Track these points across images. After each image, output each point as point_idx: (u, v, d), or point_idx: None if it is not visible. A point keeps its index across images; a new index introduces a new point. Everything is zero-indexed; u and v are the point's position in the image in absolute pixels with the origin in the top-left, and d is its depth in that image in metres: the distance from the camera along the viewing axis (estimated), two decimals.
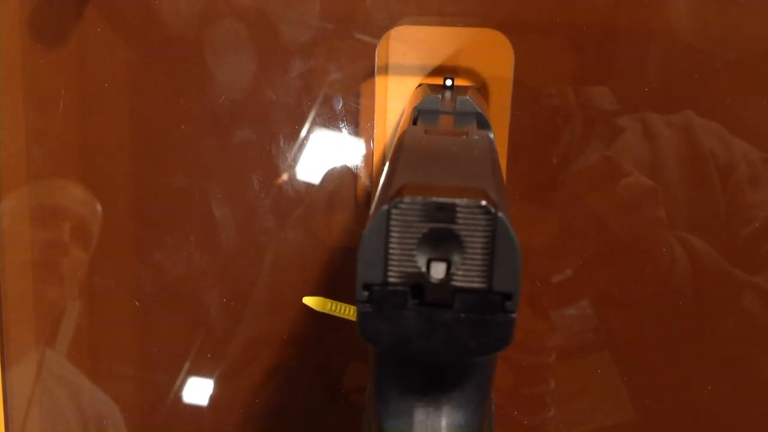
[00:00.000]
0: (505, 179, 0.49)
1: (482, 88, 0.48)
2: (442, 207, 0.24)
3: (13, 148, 0.52)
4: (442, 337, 0.25)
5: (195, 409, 0.55)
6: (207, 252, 0.53)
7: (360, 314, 0.25)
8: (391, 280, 0.25)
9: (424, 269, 0.25)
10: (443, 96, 0.42)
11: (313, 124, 0.50)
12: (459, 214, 0.24)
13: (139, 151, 0.52)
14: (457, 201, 0.24)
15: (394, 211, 0.24)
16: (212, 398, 0.55)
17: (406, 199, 0.24)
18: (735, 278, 0.50)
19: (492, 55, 0.48)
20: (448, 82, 0.46)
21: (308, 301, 0.47)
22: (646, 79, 0.48)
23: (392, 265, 0.25)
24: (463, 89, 0.45)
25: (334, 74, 0.49)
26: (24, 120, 0.52)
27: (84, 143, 0.52)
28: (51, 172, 0.53)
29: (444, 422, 0.28)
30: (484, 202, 0.24)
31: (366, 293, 0.25)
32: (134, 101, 0.51)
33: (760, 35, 0.47)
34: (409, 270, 0.25)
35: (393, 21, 0.48)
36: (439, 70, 0.48)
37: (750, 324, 0.51)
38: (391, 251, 0.25)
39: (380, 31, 0.48)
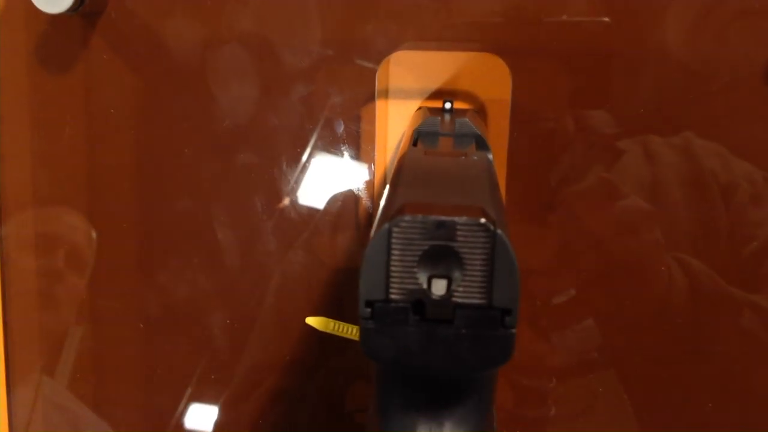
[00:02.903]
0: (504, 199, 0.50)
1: (481, 111, 0.49)
2: (442, 225, 0.25)
3: (19, 173, 0.53)
4: (443, 352, 0.26)
5: None
6: (211, 274, 0.53)
7: (363, 330, 0.26)
8: (393, 296, 0.26)
9: (425, 286, 0.25)
10: (443, 118, 0.43)
11: (315, 147, 0.51)
12: (459, 232, 0.25)
13: (143, 174, 0.53)
14: (457, 219, 0.25)
15: (395, 229, 0.25)
16: (216, 422, 0.55)
17: (407, 217, 0.25)
18: (734, 297, 0.50)
19: (490, 78, 0.49)
20: (447, 105, 0.47)
21: (311, 321, 0.48)
22: (642, 101, 0.49)
23: (394, 282, 0.25)
24: (462, 112, 0.46)
25: (335, 98, 0.50)
26: (30, 145, 0.53)
27: (89, 167, 0.53)
28: (56, 196, 0.53)
29: None
30: (483, 220, 0.25)
31: (368, 310, 0.26)
32: (139, 126, 0.52)
33: (755, 56, 0.48)
34: (411, 287, 0.25)
35: (393, 46, 0.49)
36: (439, 94, 0.49)
37: (751, 342, 0.51)
38: (392, 268, 0.25)
39: (380, 56, 0.49)
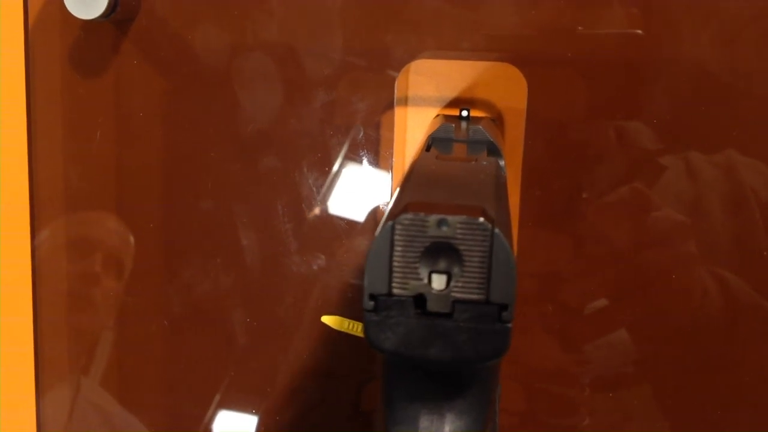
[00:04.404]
0: (518, 205, 0.51)
1: (497, 119, 0.50)
2: (442, 223, 0.26)
3: (51, 175, 0.55)
4: (443, 344, 0.27)
5: None
6: (235, 275, 0.54)
7: (366, 322, 0.27)
8: (395, 290, 0.27)
9: (425, 281, 0.27)
10: (458, 125, 0.45)
11: (335, 152, 0.52)
12: (459, 230, 0.26)
13: (171, 176, 0.54)
14: (457, 217, 0.26)
15: (398, 226, 0.26)
16: (242, 423, 0.56)
17: (410, 215, 0.26)
18: None
19: (506, 87, 0.50)
20: (464, 113, 0.48)
21: (326, 319, 0.49)
22: (658, 111, 0.49)
23: (396, 277, 0.27)
24: (477, 120, 0.47)
25: (356, 105, 0.51)
26: (62, 148, 0.55)
27: (119, 169, 0.54)
28: (87, 198, 0.55)
29: (447, 429, 0.30)
30: (481, 219, 0.26)
31: (372, 303, 0.27)
32: (167, 129, 0.53)
33: None
34: (412, 281, 0.27)
35: (412, 55, 0.50)
36: (456, 102, 0.50)
37: None
38: (395, 264, 0.27)
39: (400, 64, 0.51)
